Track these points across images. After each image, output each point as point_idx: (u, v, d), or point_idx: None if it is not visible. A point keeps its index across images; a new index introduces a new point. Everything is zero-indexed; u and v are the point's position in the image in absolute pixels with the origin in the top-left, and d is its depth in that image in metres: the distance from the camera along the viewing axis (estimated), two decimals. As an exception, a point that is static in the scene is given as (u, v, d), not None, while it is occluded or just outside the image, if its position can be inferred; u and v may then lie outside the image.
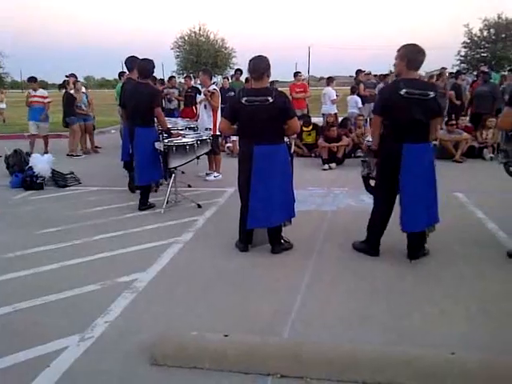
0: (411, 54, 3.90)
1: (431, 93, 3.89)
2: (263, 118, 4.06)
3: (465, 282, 3.72)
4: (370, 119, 11.02)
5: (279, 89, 4.51)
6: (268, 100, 4.04)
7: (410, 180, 3.93)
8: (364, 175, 4.60)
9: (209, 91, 7.34)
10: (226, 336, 2.79)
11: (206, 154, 6.60)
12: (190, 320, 3.19)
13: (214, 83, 8.03)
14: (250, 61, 4.18)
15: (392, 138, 3.98)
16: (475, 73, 20.40)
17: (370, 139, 4.53)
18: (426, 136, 3.99)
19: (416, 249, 4.15)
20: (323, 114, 11.38)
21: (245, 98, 4.09)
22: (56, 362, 2.72)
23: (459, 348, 2.70)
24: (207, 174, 7.72)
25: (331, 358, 2.61)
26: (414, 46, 3.94)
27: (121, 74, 10.60)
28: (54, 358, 2.75)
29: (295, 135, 7.15)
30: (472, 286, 3.65)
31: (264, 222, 4.26)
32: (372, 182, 4.49)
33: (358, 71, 12.66)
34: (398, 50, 3.96)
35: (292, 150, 5.32)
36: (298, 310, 3.30)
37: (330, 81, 12.26)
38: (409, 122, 3.89)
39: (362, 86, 11.90)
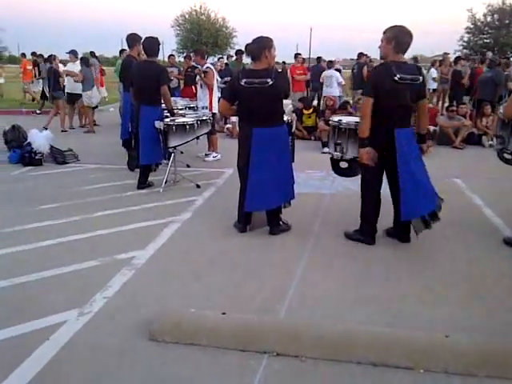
0: (399, 37, 3.72)
1: (420, 77, 3.84)
2: (263, 100, 4.03)
3: (459, 267, 3.76)
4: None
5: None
6: (267, 82, 4.01)
7: (406, 165, 3.81)
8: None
9: (201, 70, 7.33)
10: (224, 314, 2.84)
11: (205, 134, 6.59)
12: (187, 297, 3.23)
13: (211, 63, 8.02)
14: (249, 43, 4.16)
15: (383, 124, 3.82)
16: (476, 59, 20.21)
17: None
18: (410, 120, 3.96)
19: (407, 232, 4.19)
20: (324, 97, 11.23)
21: (244, 80, 4.05)
22: (55, 335, 2.76)
23: (453, 330, 2.75)
24: (206, 155, 7.70)
25: (326, 338, 2.66)
26: (402, 27, 3.77)
27: (122, 52, 10.49)
28: (53, 331, 2.79)
29: (295, 116, 7.13)
30: (466, 271, 3.69)
31: (262, 205, 4.28)
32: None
33: (360, 54, 12.50)
34: (385, 32, 3.78)
35: (293, 129, 5.29)
36: (294, 290, 3.34)
37: (332, 64, 12.14)
38: (398, 107, 3.80)
39: (365, 69, 11.69)
